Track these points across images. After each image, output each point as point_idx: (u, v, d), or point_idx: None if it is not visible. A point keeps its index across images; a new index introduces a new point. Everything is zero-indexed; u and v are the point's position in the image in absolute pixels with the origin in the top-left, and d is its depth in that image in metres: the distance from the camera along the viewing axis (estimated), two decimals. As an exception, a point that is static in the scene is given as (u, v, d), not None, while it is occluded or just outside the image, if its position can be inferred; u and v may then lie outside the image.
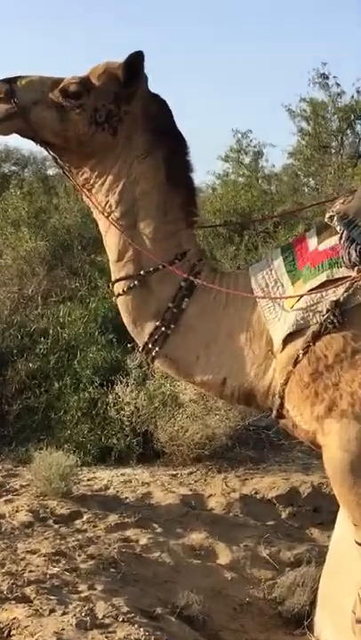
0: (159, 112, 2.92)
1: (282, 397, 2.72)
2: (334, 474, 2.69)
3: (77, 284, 8.69)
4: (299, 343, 2.64)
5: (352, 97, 13.04)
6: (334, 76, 13.05)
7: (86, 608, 4.02)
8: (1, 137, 3.12)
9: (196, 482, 6.03)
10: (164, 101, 2.91)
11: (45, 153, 3.07)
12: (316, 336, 2.60)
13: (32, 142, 2.98)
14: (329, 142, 13.03)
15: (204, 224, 7.03)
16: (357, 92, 13.04)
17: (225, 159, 13.66)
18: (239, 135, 13.58)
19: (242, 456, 6.28)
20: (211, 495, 5.80)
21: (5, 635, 3.84)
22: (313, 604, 4.55)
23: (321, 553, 4.80)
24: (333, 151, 12.88)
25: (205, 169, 13.34)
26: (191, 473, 6.15)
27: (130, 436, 6.31)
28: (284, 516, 5.67)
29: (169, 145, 2.90)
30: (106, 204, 2.89)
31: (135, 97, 2.85)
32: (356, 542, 2.72)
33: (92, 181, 2.91)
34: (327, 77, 13.08)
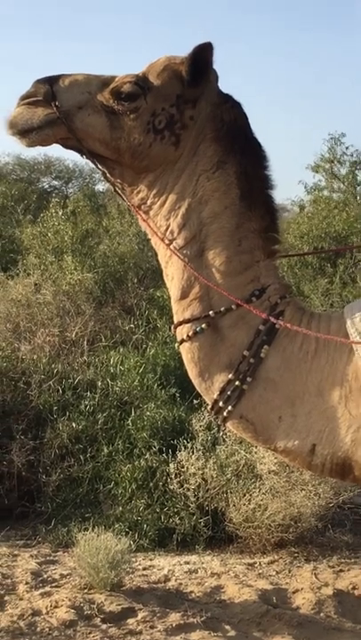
0: (232, 117, 2.46)
1: None
2: None
3: (132, 326, 7.52)
4: None
5: None
6: None
7: None
8: (40, 147, 2.64)
9: (278, 573, 5.34)
10: (239, 104, 2.46)
11: (93, 166, 2.64)
12: None
13: (77, 153, 2.57)
14: None
15: (289, 252, 6.10)
16: None
17: (315, 169, 11.64)
18: (333, 141, 11.62)
19: (336, 541, 5.59)
20: (297, 590, 5.08)
21: None
22: None
23: None
24: None
25: (293, 181, 12.41)
26: (272, 562, 5.46)
27: (196, 515, 5.55)
28: None
29: (244, 157, 2.44)
30: (167, 230, 2.46)
31: (202, 99, 2.43)
32: None
33: (149, 202, 2.49)
34: None
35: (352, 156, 11.38)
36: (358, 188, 10.76)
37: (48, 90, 2.41)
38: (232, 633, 4.53)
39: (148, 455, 5.86)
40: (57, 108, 2.40)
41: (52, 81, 2.45)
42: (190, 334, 2.49)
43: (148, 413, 6.15)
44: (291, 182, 11.80)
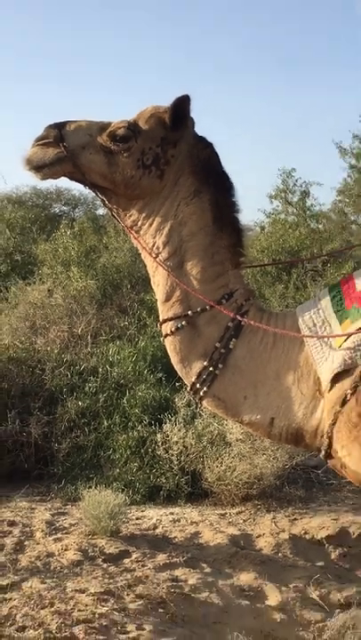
0: (206, 155, 2.75)
1: (330, 438, 2.54)
2: None
3: (126, 323, 8.05)
4: (347, 383, 2.47)
5: None
6: None
7: None
8: (51, 180, 2.88)
9: (244, 521, 5.72)
10: (211, 144, 2.75)
11: (94, 195, 2.92)
12: None
13: (81, 185, 2.86)
14: None
15: (252, 263, 6.54)
16: None
17: (273, 197, 12.97)
18: (285, 175, 13.00)
19: (290, 496, 5.97)
20: (259, 535, 5.47)
21: None
22: None
23: None
24: None
25: (256, 207, 13.04)
26: (240, 512, 5.84)
27: (178, 475, 5.99)
28: (333, 556, 5.32)
29: (215, 187, 2.73)
30: (153, 246, 2.72)
31: (182, 140, 2.69)
32: None
33: (139, 223, 2.75)
34: None
35: (301, 186, 12.86)
36: (307, 212, 11.98)
37: (57, 134, 2.67)
38: (208, 570, 4.91)
39: (139, 427, 6.32)
40: (65, 148, 2.66)
41: (60, 126, 2.70)
42: (173, 330, 2.74)
43: (139, 394, 6.61)
44: (257, 207, 13.23)
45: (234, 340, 2.64)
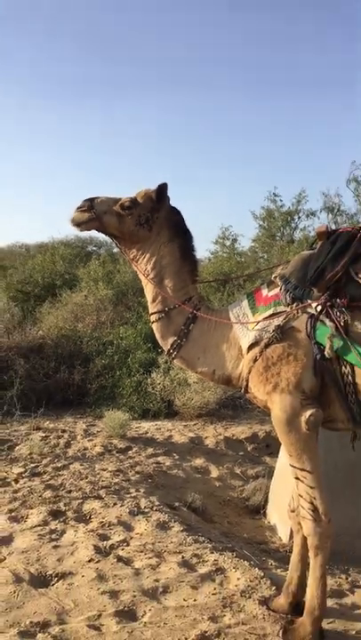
0: (176, 217, 3.24)
1: (247, 380, 2.98)
2: (277, 425, 2.94)
3: (130, 315, 9.93)
4: (257, 349, 2.90)
5: (289, 207, 16.57)
6: (279, 195, 16.55)
7: (134, 502, 4.55)
8: (87, 232, 3.39)
9: (198, 429, 6.72)
10: (179, 211, 3.25)
11: (111, 240, 3.44)
12: (267, 345, 2.86)
13: (103, 234, 3.37)
14: (276, 233, 16.39)
15: (204, 280, 8.36)
16: (292, 204, 16.49)
17: (215, 242, 16.60)
18: (224, 229, 16.55)
19: (225, 414, 7.06)
20: (207, 437, 6.50)
21: (88, 518, 4.32)
22: (266, 501, 5.04)
23: (271, 471, 5.31)
24: (278, 238, 16.05)
25: (205, 247, 16.43)
26: (195, 424, 6.89)
27: (160, 403, 7.22)
28: (249, 449, 6.33)
29: (182, 237, 3.23)
30: (145, 270, 3.21)
31: (162, 209, 3.18)
32: (290, 464, 2.96)
33: (137, 257, 3.25)
34: (276, 195, 16.68)
35: (233, 235, 16.25)
36: (235, 251, 15.39)
37: (90, 204, 3.16)
38: (177, 457, 5.82)
39: (137, 375, 7.58)
40: (94, 213, 3.15)
41: (91, 200, 3.18)
42: (156, 319, 3.19)
43: (137, 356, 7.99)
44: (205, 248, 16.58)
45: (192, 324, 3.14)
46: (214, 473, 5.67)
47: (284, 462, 3.75)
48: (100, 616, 3.14)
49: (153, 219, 3.17)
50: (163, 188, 3.16)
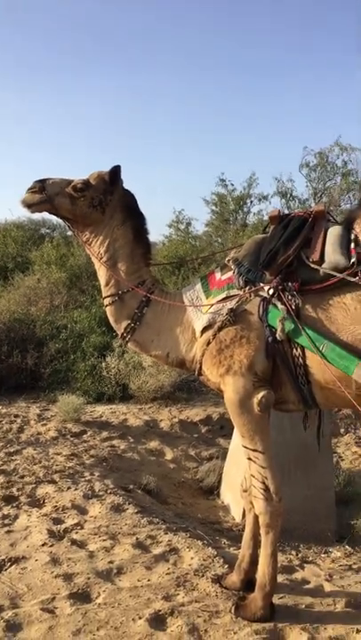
0: (129, 200, 3.23)
1: (200, 363, 3.02)
2: (230, 407, 2.96)
3: (85, 299, 9.96)
4: (210, 332, 2.93)
5: (240, 191, 16.90)
6: (230, 180, 16.84)
7: (89, 486, 4.58)
8: (37, 214, 3.38)
9: (153, 412, 6.79)
10: (132, 194, 3.26)
11: (64, 223, 3.40)
12: (220, 328, 2.89)
13: (56, 217, 3.35)
14: (228, 217, 16.69)
15: (159, 263, 8.18)
16: (243, 188, 16.84)
17: (170, 226, 16.77)
18: (177, 212, 16.69)
19: (179, 397, 7.11)
20: (161, 420, 6.57)
21: (41, 502, 4.33)
22: (220, 481, 5.15)
23: (225, 452, 5.41)
24: (231, 223, 16.38)
25: (160, 232, 16.57)
26: (150, 407, 6.93)
27: (115, 386, 7.26)
28: (203, 431, 6.45)
29: (135, 219, 3.22)
30: (98, 253, 3.21)
31: (115, 191, 3.17)
32: (243, 445, 2.99)
33: (90, 240, 3.24)
34: (224, 180, 16.96)
35: (186, 220, 16.47)
36: (189, 235, 15.63)
37: (41, 185, 3.13)
38: (132, 440, 5.90)
39: (92, 359, 7.58)
40: (46, 194, 3.12)
41: (43, 181, 3.15)
42: (110, 302, 3.20)
43: (92, 339, 7.99)
44: (160, 232, 16.74)
45: (146, 308, 3.16)
46: (169, 455, 5.76)
47: (238, 443, 3.82)
48: (53, 599, 3.16)
49: (106, 201, 3.16)
50: (116, 170, 3.16)
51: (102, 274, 3.25)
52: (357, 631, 2.87)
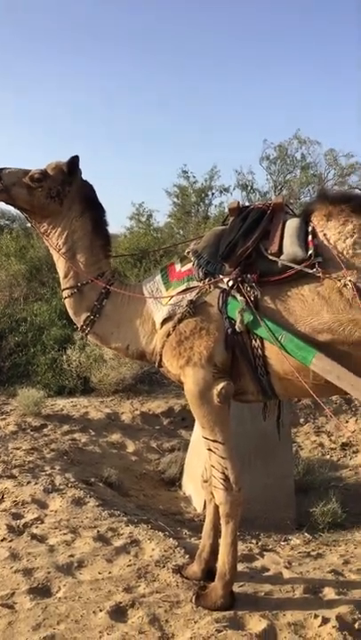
0: (88, 191, 3.21)
1: (160, 355, 3.03)
2: (189, 398, 2.97)
3: (45, 291, 9.91)
4: (170, 324, 2.95)
5: (202, 183, 16.89)
6: (192, 172, 16.81)
7: (49, 480, 4.55)
8: None
9: (114, 405, 6.80)
10: (91, 185, 3.24)
11: (22, 214, 3.35)
12: (180, 320, 2.91)
13: (13, 207, 3.31)
14: (190, 209, 16.70)
15: (120, 255, 8.30)
16: (205, 180, 16.82)
17: (131, 218, 16.62)
18: (137, 205, 16.51)
19: (141, 390, 7.16)
20: (123, 412, 6.60)
21: (0, 498, 4.29)
22: (181, 473, 5.21)
23: (186, 444, 5.51)
24: (193, 215, 16.41)
25: (121, 224, 16.37)
26: (112, 400, 6.95)
27: (76, 379, 7.25)
28: (165, 423, 6.50)
29: (93, 210, 3.20)
30: (57, 244, 3.19)
31: (74, 182, 3.15)
32: (203, 436, 3.02)
33: (49, 231, 3.22)
34: (187, 172, 16.94)
35: (148, 211, 16.32)
36: (151, 227, 15.57)
37: None
38: (93, 433, 5.85)
39: (52, 352, 7.57)
40: (2, 184, 3.09)
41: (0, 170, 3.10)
42: (69, 294, 3.18)
43: (52, 332, 7.96)
44: (121, 224, 16.48)
45: (105, 300, 3.15)
46: (131, 448, 5.80)
47: (199, 435, 3.83)
48: (13, 594, 3.15)
49: (64, 192, 3.14)
50: (74, 161, 3.14)
51: (61, 266, 3.23)
52: (315, 616, 2.94)
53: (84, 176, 3.25)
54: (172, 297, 2.97)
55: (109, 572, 3.40)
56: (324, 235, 2.79)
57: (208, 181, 17.27)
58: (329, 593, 3.20)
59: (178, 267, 3.09)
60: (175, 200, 17.44)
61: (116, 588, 3.22)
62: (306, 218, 2.90)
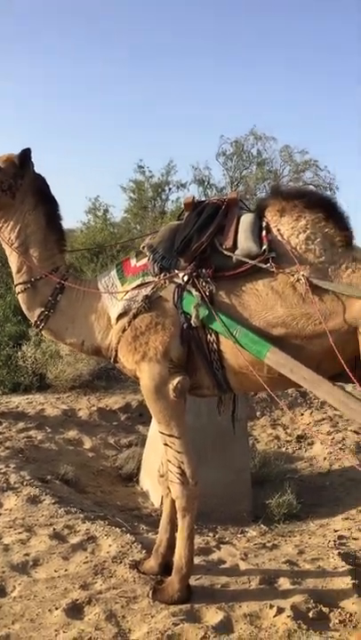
0: (40, 184, 3.19)
1: (116, 351, 3.04)
2: (145, 393, 2.99)
3: None
4: (125, 319, 2.96)
5: (159, 178, 17.03)
6: (148, 167, 16.97)
7: (4, 478, 4.51)
8: None
9: (71, 401, 6.74)
10: (44, 178, 3.21)
11: None
12: (135, 315, 2.92)
13: None
14: (147, 205, 16.80)
15: (76, 249, 8.27)
16: (162, 175, 16.97)
17: (88, 212, 16.56)
18: (93, 199, 16.43)
19: (98, 386, 7.10)
20: (80, 409, 6.53)
21: None
22: (139, 468, 5.20)
23: (144, 439, 5.48)
24: (150, 210, 16.50)
25: (77, 218, 16.22)
26: (68, 396, 6.88)
27: (31, 376, 7.15)
28: (122, 419, 6.46)
29: (47, 204, 3.18)
30: (9, 239, 3.16)
31: (26, 175, 3.13)
32: (159, 431, 3.05)
33: (0, 225, 3.19)
34: (143, 167, 17.12)
35: (104, 206, 16.24)
36: (108, 222, 15.44)
37: None
38: (49, 430, 5.82)
39: (7, 349, 7.37)
40: None
41: None
42: (22, 290, 3.17)
43: (7, 329, 7.77)
44: (76, 219, 16.37)
45: (60, 295, 3.14)
46: (87, 444, 5.77)
47: (156, 430, 3.83)
48: (-34, 595, 3.08)
49: (16, 185, 3.11)
50: (26, 153, 3.11)
51: (14, 260, 3.20)
52: (270, 606, 3.01)
53: (38, 169, 3.24)
54: (127, 292, 2.97)
55: (65, 570, 3.38)
56: (278, 230, 2.84)
57: (165, 176, 17.30)
58: (284, 583, 3.26)
59: (133, 262, 3.10)
60: (131, 195, 17.44)
61: (73, 586, 3.21)
62: (260, 213, 2.94)
